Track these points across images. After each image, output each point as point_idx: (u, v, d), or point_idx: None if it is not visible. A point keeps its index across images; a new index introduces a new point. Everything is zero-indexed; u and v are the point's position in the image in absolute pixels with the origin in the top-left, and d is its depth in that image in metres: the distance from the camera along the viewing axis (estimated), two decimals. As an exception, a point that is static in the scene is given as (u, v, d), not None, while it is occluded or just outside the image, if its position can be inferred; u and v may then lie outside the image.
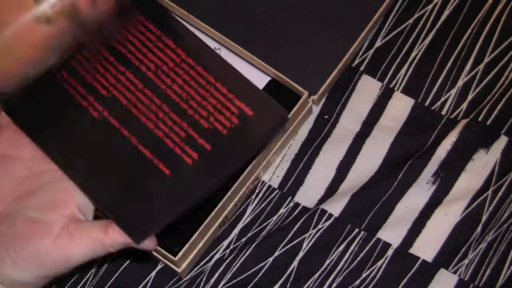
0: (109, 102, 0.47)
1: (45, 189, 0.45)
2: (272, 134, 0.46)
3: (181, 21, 0.49)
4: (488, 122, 0.63)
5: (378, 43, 0.68)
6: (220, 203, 0.59)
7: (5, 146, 0.47)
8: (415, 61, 0.67)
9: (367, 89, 0.66)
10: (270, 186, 0.64)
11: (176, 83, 0.47)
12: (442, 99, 0.66)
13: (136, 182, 0.45)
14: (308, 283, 0.60)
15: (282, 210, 0.63)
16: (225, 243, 0.62)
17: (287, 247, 0.61)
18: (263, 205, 0.63)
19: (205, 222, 0.59)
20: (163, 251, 0.58)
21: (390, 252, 0.61)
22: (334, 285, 0.60)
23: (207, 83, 0.47)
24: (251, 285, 0.60)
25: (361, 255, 0.61)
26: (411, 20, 0.68)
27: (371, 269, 0.60)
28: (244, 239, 0.62)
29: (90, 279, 0.61)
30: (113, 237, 0.44)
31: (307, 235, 0.61)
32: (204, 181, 0.45)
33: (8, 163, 0.46)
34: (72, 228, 0.44)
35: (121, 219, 0.44)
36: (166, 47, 0.48)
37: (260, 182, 0.64)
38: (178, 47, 0.47)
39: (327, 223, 0.61)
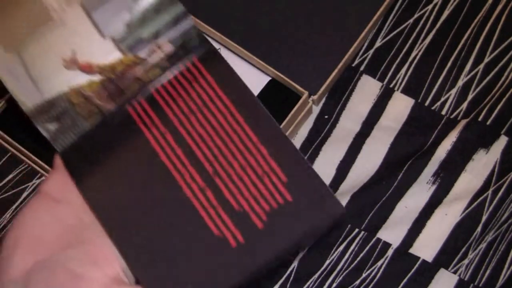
0: (176, 157, 0.44)
1: (91, 243, 0.43)
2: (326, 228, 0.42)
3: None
4: (488, 122, 0.63)
5: (378, 43, 0.68)
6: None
7: (57, 188, 0.45)
8: (415, 61, 0.67)
9: (367, 89, 0.66)
10: (270, 186, 0.64)
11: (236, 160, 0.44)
12: (442, 99, 0.66)
13: (177, 254, 0.42)
14: (308, 283, 0.60)
15: (282, 210, 0.63)
16: (225, 243, 0.62)
17: (287, 247, 0.61)
18: (263, 205, 0.63)
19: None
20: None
21: (390, 252, 0.61)
22: (334, 285, 0.60)
23: (269, 168, 0.43)
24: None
25: (361, 255, 0.61)
26: (411, 20, 0.68)
27: (371, 269, 0.60)
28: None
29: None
30: None
31: (307, 235, 0.61)
32: (248, 266, 0.41)
33: (57, 208, 0.45)
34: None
35: None
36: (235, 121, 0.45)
37: (260, 182, 0.64)
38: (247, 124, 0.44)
39: (327, 223, 0.61)
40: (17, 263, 0.43)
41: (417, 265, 0.60)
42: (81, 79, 0.46)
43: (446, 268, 0.60)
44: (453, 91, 0.66)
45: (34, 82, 0.46)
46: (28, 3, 0.46)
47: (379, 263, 0.60)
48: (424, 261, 0.60)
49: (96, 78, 0.46)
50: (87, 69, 0.46)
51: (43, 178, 0.65)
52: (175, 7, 0.47)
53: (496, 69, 0.66)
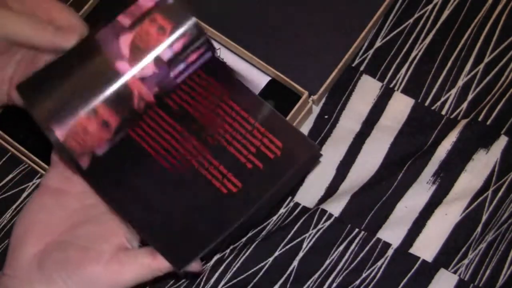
0: (156, 142, 0.50)
1: (95, 221, 0.49)
2: (305, 169, 0.49)
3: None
4: (488, 122, 0.63)
5: (378, 43, 0.68)
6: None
7: (57, 180, 0.50)
8: (415, 61, 0.67)
9: (367, 89, 0.66)
10: (270, 186, 0.64)
11: (223, 128, 0.50)
12: (442, 99, 0.66)
13: (177, 210, 0.48)
14: (308, 283, 0.60)
15: (282, 210, 0.63)
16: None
17: (287, 247, 0.61)
18: (263, 205, 0.63)
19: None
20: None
21: (390, 252, 0.61)
22: (334, 285, 0.60)
23: (248, 124, 0.49)
24: (251, 285, 0.60)
25: (361, 255, 0.61)
26: (411, 20, 0.68)
27: (371, 269, 0.60)
28: (244, 239, 0.62)
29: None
30: (160, 262, 0.47)
31: (307, 235, 0.61)
32: (238, 213, 0.47)
33: (60, 196, 0.49)
34: (122, 255, 0.47)
35: (162, 248, 0.47)
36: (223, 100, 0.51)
37: (260, 182, 0.64)
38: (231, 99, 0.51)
39: (327, 223, 0.61)
40: (29, 249, 0.47)
41: (417, 265, 0.60)
42: None
43: (446, 268, 0.60)
44: (453, 91, 0.66)
45: None
46: None
47: (379, 263, 0.60)
48: (424, 261, 0.60)
49: None
50: None
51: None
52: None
53: (496, 69, 0.66)
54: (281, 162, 0.48)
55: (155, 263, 0.47)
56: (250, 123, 0.49)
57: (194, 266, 0.48)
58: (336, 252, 0.61)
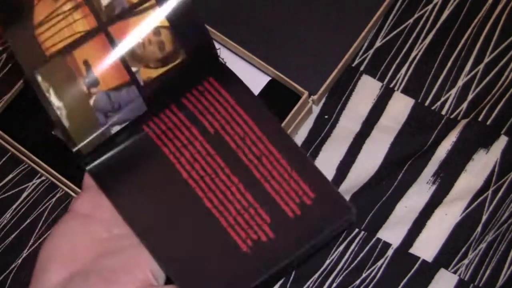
0: (195, 170, 0.48)
1: (121, 252, 0.47)
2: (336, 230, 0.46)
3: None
4: (488, 122, 0.63)
5: (378, 43, 0.68)
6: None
7: (87, 206, 0.49)
8: (415, 61, 0.67)
9: (367, 89, 0.66)
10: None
11: (255, 164, 0.48)
12: (442, 99, 0.66)
13: (207, 254, 0.46)
14: (308, 283, 0.60)
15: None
16: (225, 243, 0.62)
17: (287, 247, 0.61)
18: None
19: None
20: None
21: (390, 252, 0.61)
22: (334, 285, 0.60)
23: (284, 170, 0.47)
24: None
25: (361, 255, 0.61)
26: (411, 20, 0.68)
27: (371, 269, 0.60)
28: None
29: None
30: None
31: (307, 235, 0.61)
32: (271, 265, 0.45)
33: (88, 224, 0.48)
34: None
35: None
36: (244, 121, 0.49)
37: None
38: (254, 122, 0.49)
39: (327, 223, 0.61)
40: (52, 276, 0.46)
41: (417, 265, 0.60)
42: None
43: (446, 268, 0.60)
44: (453, 91, 0.66)
45: None
46: None
47: (379, 263, 0.60)
48: (424, 261, 0.60)
49: None
50: None
51: (43, 178, 0.65)
52: None
53: (496, 69, 0.66)
54: (316, 217, 0.46)
55: None
56: (284, 167, 0.47)
57: None
58: (336, 252, 0.61)
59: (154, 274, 0.47)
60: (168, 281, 0.48)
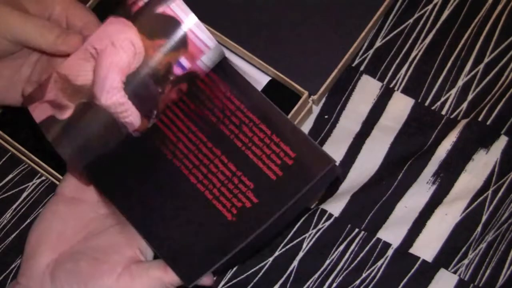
0: (179, 150, 0.49)
1: (109, 232, 0.48)
2: (322, 183, 0.47)
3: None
4: (488, 122, 0.63)
5: (378, 43, 0.68)
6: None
7: (72, 189, 0.50)
8: (415, 61, 0.67)
9: (367, 89, 0.66)
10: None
11: (239, 136, 0.49)
12: (442, 99, 0.66)
13: (193, 228, 0.47)
14: (308, 283, 0.60)
15: (282, 210, 0.63)
16: (225, 243, 0.62)
17: (287, 247, 0.61)
18: (263, 205, 0.63)
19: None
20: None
21: (390, 252, 0.61)
22: (334, 285, 0.60)
23: (265, 135, 0.48)
24: (251, 285, 0.60)
25: (361, 255, 0.61)
26: (411, 20, 0.68)
27: (371, 269, 0.60)
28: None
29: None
30: (171, 276, 0.47)
31: (307, 235, 0.61)
32: (251, 228, 0.46)
33: (75, 206, 0.49)
34: (133, 267, 0.46)
35: (172, 262, 0.47)
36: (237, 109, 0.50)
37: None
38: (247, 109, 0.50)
39: (327, 223, 0.61)
40: (41, 259, 0.47)
41: (417, 265, 0.60)
42: None
43: (446, 268, 0.60)
44: (453, 91, 0.66)
45: None
46: None
47: (379, 263, 0.60)
48: (424, 261, 0.60)
49: None
50: None
51: (43, 178, 0.65)
52: None
53: (496, 69, 0.66)
54: (297, 175, 0.47)
55: (166, 277, 0.47)
56: (264, 132, 0.48)
57: (205, 280, 0.47)
58: (336, 252, 0.61)
59: (142, 251, 0.48)
60: (156, 257, 0.49)
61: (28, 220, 0.64)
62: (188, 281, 0.46)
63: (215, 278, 0.61)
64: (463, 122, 0.64)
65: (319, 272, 0.61)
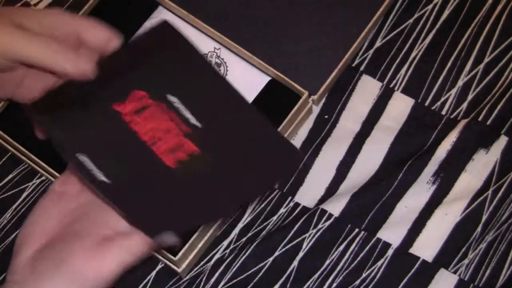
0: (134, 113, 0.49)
1: (86, 217, 0.48)
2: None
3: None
4: (488, 122, 0.63)
5: (378, 43, 0.68)
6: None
7: (59, 183, 0.50)
8: (415, 61, 0.67)
9: (367, 89, 0.66)
10: (270, 186, 0.64)
11: None
12: (442, 99, 0.66)
13: (156, 186, 0.48)
14: (308, 283, 0.60)
15: (282, 210, 0.63)
16: (225, 243, 0.62)
17: (287, 247, 0.61)
18: (263, 205, 0.63)
19: (205, 222, 0.59)
20: (163, 251, 0.58)
21: (390, 252, 0.61)
22: (334, 285, 0.60)
23: None
24: (251, 285, 0.60)
25: (361, 255, 0.61)
26: (411, 20, 0.68)
27: (371, 269, 0.60)
28: (244, 239, 0.62)
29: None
30: (137, 239, 0.46)
31: (307, 235, 0.61)
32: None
33: (59, 200, 0.50)
34: (105, 244, 0.46)
35: (135, 215, 0.46)
36: None
37: (260, 182, 0.64)
38: None
39: (327, 223, 0.61)
40: (25, 252, 0.48)
41: (417, 265, 0.60)
42: None
43: (446, 268, 0.60)
44: (453, 91, 0.66)
45: None
46: None
47: (379, 263, 0.60)
48: (424, 261, 0.60)
49: None
50: None
51: (43, 178, 0.65)
52: None
53: (496, 69, 0.66)
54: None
55: (132, 243, 0.46)
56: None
57: (169, 238, 0.47)
58: (336, 252, 0.61)
59: (118, 232, 0.48)
60: None
61: (28, 220, 0.64)
62: (151, 233, 0.46)
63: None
64: (463, 122, 0.64)
65: (319, 272, 0.61)
